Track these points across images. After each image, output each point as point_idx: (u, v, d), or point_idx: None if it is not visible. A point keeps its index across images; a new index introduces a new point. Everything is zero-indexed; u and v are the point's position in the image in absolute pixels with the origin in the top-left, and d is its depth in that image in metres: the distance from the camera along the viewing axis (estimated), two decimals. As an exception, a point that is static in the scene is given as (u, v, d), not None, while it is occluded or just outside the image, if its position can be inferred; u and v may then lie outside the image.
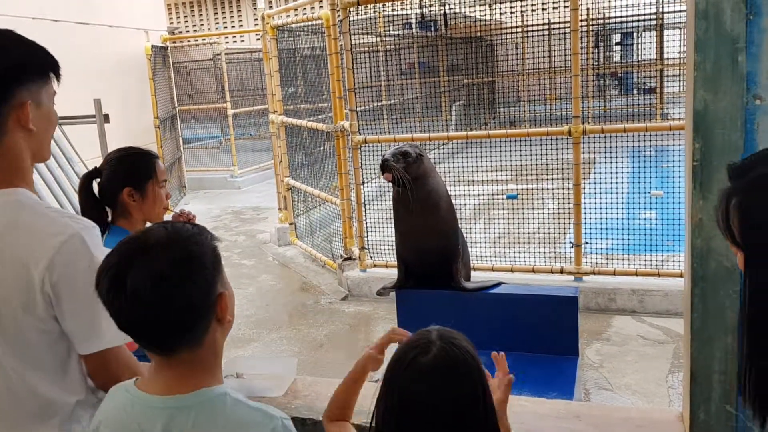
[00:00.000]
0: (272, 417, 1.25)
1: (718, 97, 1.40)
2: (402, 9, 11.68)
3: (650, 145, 7.75)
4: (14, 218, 1.45)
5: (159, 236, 1.25)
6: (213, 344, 1.29)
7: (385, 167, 3.62)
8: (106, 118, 6.04)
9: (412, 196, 3.59)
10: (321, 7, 7.25)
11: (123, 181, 2.32)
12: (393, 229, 3.98)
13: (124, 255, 1.24)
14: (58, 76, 1.57)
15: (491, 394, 1.36)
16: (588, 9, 13.78)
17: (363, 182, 6.26)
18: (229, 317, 1.29)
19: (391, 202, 3.85)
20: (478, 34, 13.93)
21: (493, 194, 8.86)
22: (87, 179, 2.36)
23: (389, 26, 12.06)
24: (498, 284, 3.89)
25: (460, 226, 3.98)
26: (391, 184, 3.72)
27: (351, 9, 5.94)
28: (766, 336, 1.07)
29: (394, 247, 3.99)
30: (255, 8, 16.72)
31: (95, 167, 2.41)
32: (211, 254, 1.27)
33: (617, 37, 16.93)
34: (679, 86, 15.23)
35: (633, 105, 14.75)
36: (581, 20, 5.90)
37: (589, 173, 7.52)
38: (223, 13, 19.71)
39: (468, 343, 1.36)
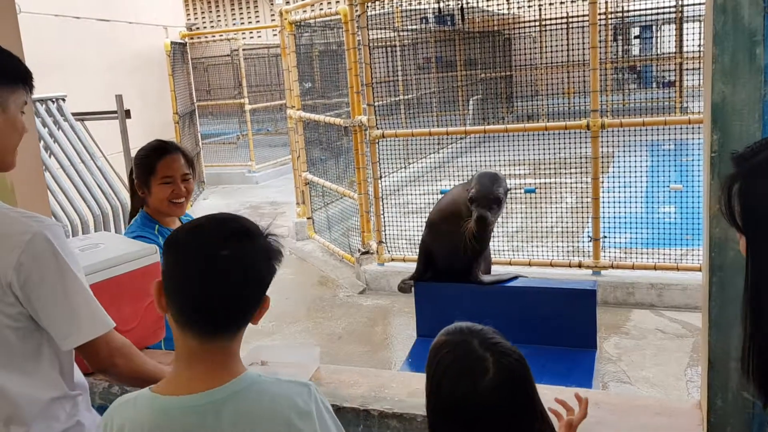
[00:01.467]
0: (306, 384, 1.34)
1: (736, 90, 1.42)
2: (419, 3, 11.68)
3: (669, 139, 7.71)
4: None
5: (254, 225, 1.35)
6: (240, 339, 1.35)
7: (485, 227, 3.16)
8: (128, 113, 6.13)
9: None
10: (338, 2, 7.28)
11: (135, 174, 2.56)
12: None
13: (220, 234, 1.29)
14: (30, 88, 1.62)
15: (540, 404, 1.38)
16: (606, 2, 13.67)
17: (380, 177, 6.29)
18: (260, 320, 1.36)
19: (440, 211, 3.66)
20: (496, 28, 13.89)
21: (511, 188, 8.86)
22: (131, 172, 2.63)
23: (406, 21, 12.06)
24: (515, 277, 3.90)
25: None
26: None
27: (368, 4, 5.97)
28: (765, 315, 1.10)
29: (419, 239, 3.96)
30: (272, 4, 16.78)
31: None
32: None
33: (636, 31, 16.79)
34: (699, 80, 15.08)
35: (652, 99, 14.63)
36: (600, 13, 5.88)
37: (608, 167, 7.49)
38: (240, 9, 19.80)
39: (505, 339, 1.38)
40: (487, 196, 3.17)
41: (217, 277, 1.25)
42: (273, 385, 1.31)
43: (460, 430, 1.30)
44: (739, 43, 1.40)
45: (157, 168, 2.49)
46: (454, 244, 3.65)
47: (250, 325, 1.36)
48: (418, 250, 3.96)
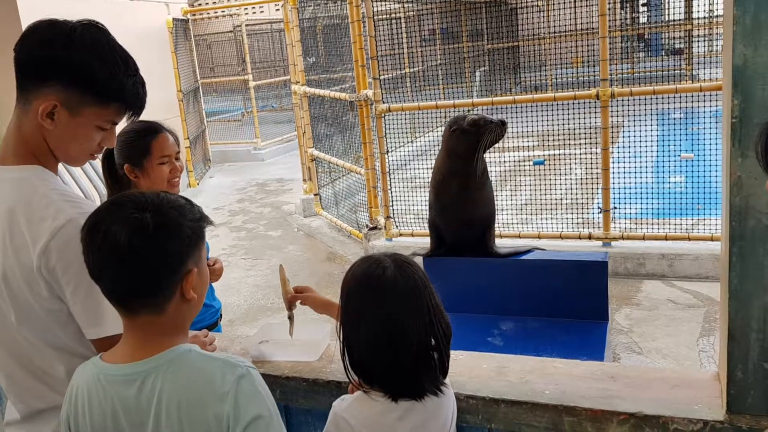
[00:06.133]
0: (236, 366, 1.28)
1: (758, 52, 1.36)
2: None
3: (679, 108, 7.60)
4: (18, 198, 1.44)
5: (149, 198, 1.30)
6: (176, 315, 1.32)
7: (501, 130, 3.43)
8: (132, 92, 6.08)
9: (475, 171, 3.52)
10: (341, -26, 7.16)
11: (122, 158, 2.40)
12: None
13: (110, 206, 1.31)
14: (129, 111, 1.52)
15: (439, 308, 1.53)
16: (614, -31, 13.42)
17: (387, 151, 6.24)
18: (194, 295, 1.31)
19: (438, 175, 3.73)
20: (501, -2, 13.68)
21: (519, 160, 8.78)
22: (106, 157, 2.44)
23: (410, -8, 11.89)
24: (530, 250, 3.87)
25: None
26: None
27: (372, -25, 5.87)
28: None
29: (427, 217, 3.95)
30: (274, -22, 16.53)
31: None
32: (191, 230, 1.31)
33: (644, -2, 16.52)
34: (708, 47, 14.83)
35: (661, 68, 14.42)
36: (608, -20, 5.76)
37: (617, 137, 7.40)
38: (242, -16, 19.56)
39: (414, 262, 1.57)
40: (485, 116, 3.48)
41: (109, 260, 1.26)
42: (198, 361, 1.29)
43: (369, 329, 1.46)
44: (761, 3, 1.34)
45: (152, 148, 2.38)
46: (454, 214, 3.65)
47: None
48: (427, 226, 3.94)
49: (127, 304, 1.30)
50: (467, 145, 3.48)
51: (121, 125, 1.65)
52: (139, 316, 1.30)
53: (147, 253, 1.24)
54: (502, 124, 3.46)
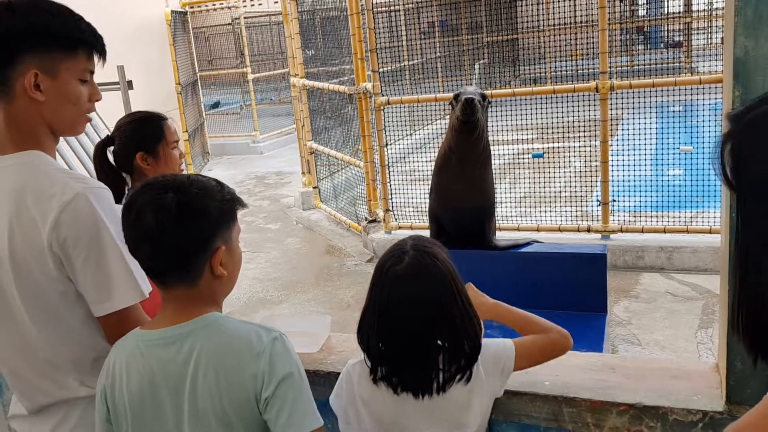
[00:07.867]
0: (270, 330, 1.38)
1: (759, 44, 1.36)
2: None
3: (678, 101, 7.60)
4: (23, 180, 1.45)
5: (178, 180, 1.39)
6: (209, 289, 1.40)
7: (473, 109, 3.33)
8: (130, 84, 6.06)
9: (475, 146, 3.48)
10: (340, -34, 7.14)
11: (135, 146, 2.35)
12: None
13: (143, 187, 1.39)
14: (96, 53, 1.53)
15: (466, 295, 1.53)
16: (613, -39, 13.37)
17: (386, 144, 6.24)
18: (222, 271, 1.39)
19: (440, 156, 3.71)
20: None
21: (518, 153, 8.78)
22: (101, 147, 2.39)
23: (409, -15, 11.86)
24: (530, 242, 3.88)
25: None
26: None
27: (371, -33, 5.84)
28: (754, 273, 1.07)
29: (427, 208, 3.95)
30: (272, -30, 16.48)
31: (108, 135, 2.44)
32: (219, 209, 1.38)
33: (643, -10, 16.48)
34: (707, 39, 14.82)
35: (660, 61, 14.41)
36: (607, -28, 5.74)
37: (616, 130, 7.40)
38: (241, -24, 19.48)
39: (442, 250, 1.53)
40: (472, 91, 3.41)
41: (141, 238, 1.35)
42: (233, 324, 1.38)
43: (379, 316, 1.49)
44: (762, -6, 1.34)
45: (165, 133, 2.37)
46: (453, 195, 3.64)
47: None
48: (427, 218, 3.95)
49: (161, 278, 1.39)
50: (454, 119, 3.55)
51: (106, 98, 1.64)
52: (174, 289, 1.38)
53: (171, 232, 1.32)
54: (466, 102, 3.40)
